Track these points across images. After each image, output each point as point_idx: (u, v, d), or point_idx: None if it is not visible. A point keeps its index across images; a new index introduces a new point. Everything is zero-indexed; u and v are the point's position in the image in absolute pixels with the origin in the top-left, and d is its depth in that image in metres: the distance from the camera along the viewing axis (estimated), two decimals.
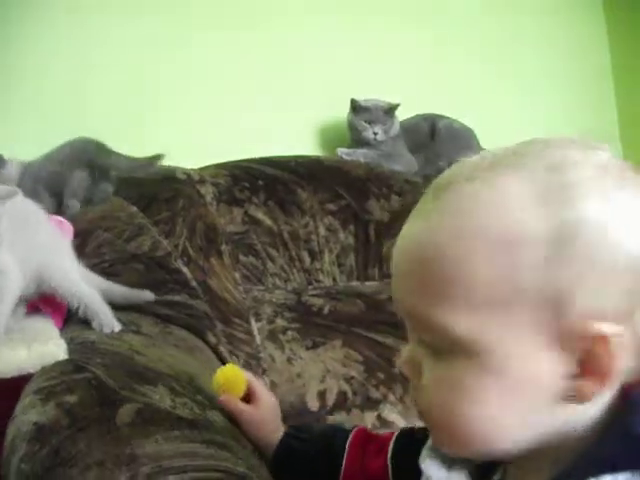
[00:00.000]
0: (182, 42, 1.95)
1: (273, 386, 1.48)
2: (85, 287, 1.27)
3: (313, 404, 1.50)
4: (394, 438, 0.89)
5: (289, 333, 1.56)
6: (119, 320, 1.26)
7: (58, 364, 1.01)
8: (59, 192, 1.68)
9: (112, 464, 0.74)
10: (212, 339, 1.42)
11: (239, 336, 1.50)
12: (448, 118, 2.10)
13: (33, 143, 1.74)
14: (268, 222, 1.68)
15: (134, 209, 1.59)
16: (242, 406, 0.97)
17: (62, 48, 1.86)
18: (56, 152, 1.71)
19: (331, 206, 1.75)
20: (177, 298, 1.46)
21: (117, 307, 1.30)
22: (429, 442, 0.68)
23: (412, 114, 2.09)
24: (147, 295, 1.39)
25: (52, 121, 1.78)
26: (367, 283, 1.71)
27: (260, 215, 1.68)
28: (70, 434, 0.80)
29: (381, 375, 1.56)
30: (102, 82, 1.87)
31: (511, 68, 2.37)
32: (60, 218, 1.56)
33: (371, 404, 1.53)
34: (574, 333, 0.53)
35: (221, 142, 1.93)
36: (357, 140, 1.98)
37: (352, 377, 1.54)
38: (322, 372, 1.53)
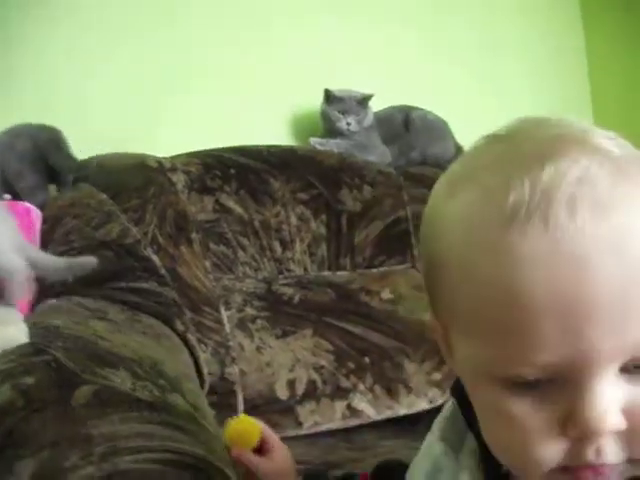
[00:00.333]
0: (158, 32, 1.93)
1: (242, 375, 1.48)
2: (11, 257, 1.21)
3: (282, 393, 1.50)
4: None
5: (259, 322, 1.55)
6: (87, 309, 1.24)
7: (18, 347, 0.99)
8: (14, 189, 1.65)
9: (66, 444, 0.73)
10: (180, 327, 1.41)
11: (208, 324, 1.49)
12: (422, 109, 2.09)
13: None
14: (239, 211, 1.67)
15: (103, 196, 1.57)
16: (257, 460, 0.88)
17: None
18: (20, 139, 1.66)
19: (303, 195, 1.74)
20: (145, 285, 1.45)
21: (82, 292, 1.29)
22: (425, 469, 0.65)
23: (386, 105, 2.09)
24: (89, 261, 1.35)
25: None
26: (338, 273, 1.71)
27: (231, 204, 1.67)
28: (25, 415, 0.79)
29: (351, 364, 1.56)
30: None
31: (484, 60, 2.37)
32: (28, 205, 1.54)
33: (341, 393, 1.53)
34: None
35: (194, 131, 1.92)
36: (330, 130, 1.97)
37: (322, 366, 1.54)
38: (292, 361, 1.52)
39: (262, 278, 1.63)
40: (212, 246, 1.62)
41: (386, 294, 1.70)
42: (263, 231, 1.68)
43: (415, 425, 1.47)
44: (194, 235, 1.59)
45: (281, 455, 0.90)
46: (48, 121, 1.69)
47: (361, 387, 1.54)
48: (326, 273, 1.70)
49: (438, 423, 0.67)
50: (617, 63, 2.59)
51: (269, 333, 1.54)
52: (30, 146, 1.64)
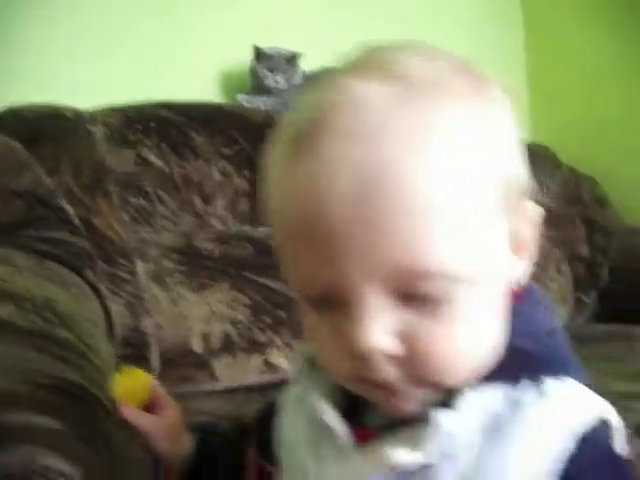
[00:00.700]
0: None
1: (157, 327, 1.45)
2: None
3: (198, 346, 1.48)
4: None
5: (175, 275, 1.52)
6: None
7: None
8: None
9: None
10: (91, 276, 1.38)
11: (122, 276, 1.46)
12: None
13: None
14: (160, 164, 1.64)
15: (18, 145, 1.53)
16: (147, 420, 0.82)
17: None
18: None
19: (226, 151, 1.72)
20: (57, 235, 1.40)
21: None
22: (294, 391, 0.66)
23: (318, 65, 2.07)
24: None
25: None
26: (260, 228, 1.69)
27: (152, 157, 1.64)
28: None
29: (268, 319, 1.54)
30: None
31: (423, 19, 2.36)
32: None
33: (257, 347, 1.52)
34: (517, 211, 0.54)
35: (118, 87, 1.88)
36: (259, 87, 1.95)
37: (239, 320, 1.52)
38: (207, 314, 1.50)
39: (181, 232, 1.60)
40: (131, 199, 1.58)
41: None
42: (184, 185, 1.65)
43: None
44: (112, 187, 1.56)
45: (171, 413, 0.85)
46: None
47: (278, 342, 1.53)
48: (247, 228, 1.68)
49: None
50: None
51: (185, 286, 1.52)
52: None
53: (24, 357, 0.76)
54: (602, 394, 0.56)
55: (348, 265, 0.49)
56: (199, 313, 1.49)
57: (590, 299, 2.27)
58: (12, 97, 1.66)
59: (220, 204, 1.67)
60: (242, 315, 1.52)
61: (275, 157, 0.54)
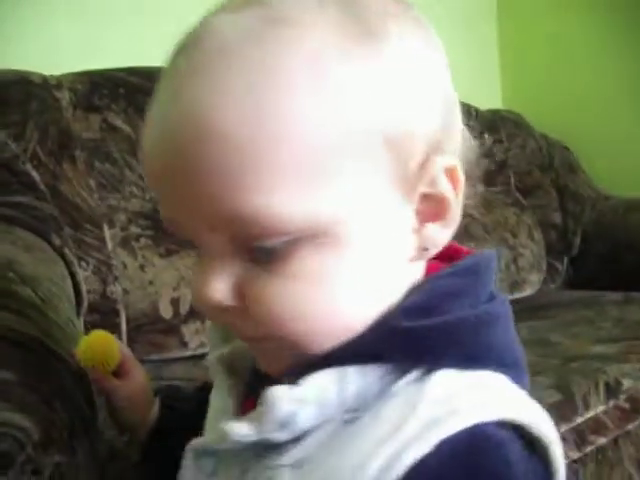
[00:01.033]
0: None
1: (125, 294, 1.44)
2: None
3: (166, 312, 1.47)
4: None
5: (142, 240, 1.51)
6: None
7: None
8: None
9: None
10: (57, 241, 1.36)
11: (90, 242, 1.44)
12: None
13: None
14: (127, 130, 1.62)
15: None
16: (110, 382, 0.80)
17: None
18: None
19: None
20: (22, 199, 1.39)
21: None
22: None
23: None
24: None
25: None
26: None
27: (119, 123, 1.62)
28: None
29: None
30: None
31: None
32: None
33: None
34: (420, 172, 0.49)
35: (88, 54, 1.85)
36: None
37: None
38: (176, 279, 1.49)
39: (149, 198, 1.59)
40: (97, 165, 1.56)
41: None
42: None
43: None
44: (78, 153, 1.54)
45: (138, 377, 0.83)
46: None
47: None
48: None
49: None
50: None
51: (153, 251, 1.50)
52: None
53: None
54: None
55: (182, 214, 0.48)
56: (167, 279, 1.48)
57: (563, 266, 2.28)
58: None
59: None
60: None
61: None
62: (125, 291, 1.44)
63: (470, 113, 2.12)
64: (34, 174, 1.44)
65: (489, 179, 2.18)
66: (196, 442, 0.56)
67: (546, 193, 2.31)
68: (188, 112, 0.45)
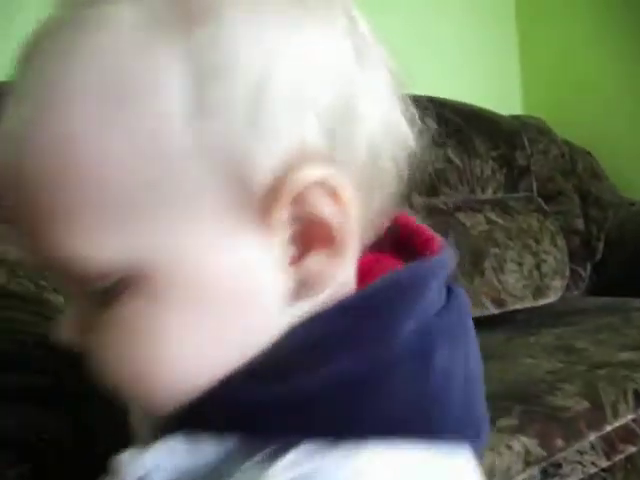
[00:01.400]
0: None
1: None
2: None
3: None
4: None
5: None
6: None
7: None
8: None
9: None
10: None
11: None
12: None
13: None
14: None
15: None
16: None
17: None
18: None
19: None
20: None
21: None
22: None
23: None
24: None
25: None
26: None
27: None
28: None
29: None
30: None
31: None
32: None
33: None
34: (279, 194, 0.39)
35: None
36: None
37: None
38: None
39: None
40: None
41: None
42: None
43: None
44: None
45: None
46: None
47: None
48: None
49: None
50: None
51: None
52: None
53: (20, 320, 0.76)
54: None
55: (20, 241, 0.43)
56: None
57: (586, 272, 2.27)
58: None
59: None
60: None
61: None
62: None
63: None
64: None
65: (511, 185, 2.18)
66: None
67: (569, 199, 2.29)
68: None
